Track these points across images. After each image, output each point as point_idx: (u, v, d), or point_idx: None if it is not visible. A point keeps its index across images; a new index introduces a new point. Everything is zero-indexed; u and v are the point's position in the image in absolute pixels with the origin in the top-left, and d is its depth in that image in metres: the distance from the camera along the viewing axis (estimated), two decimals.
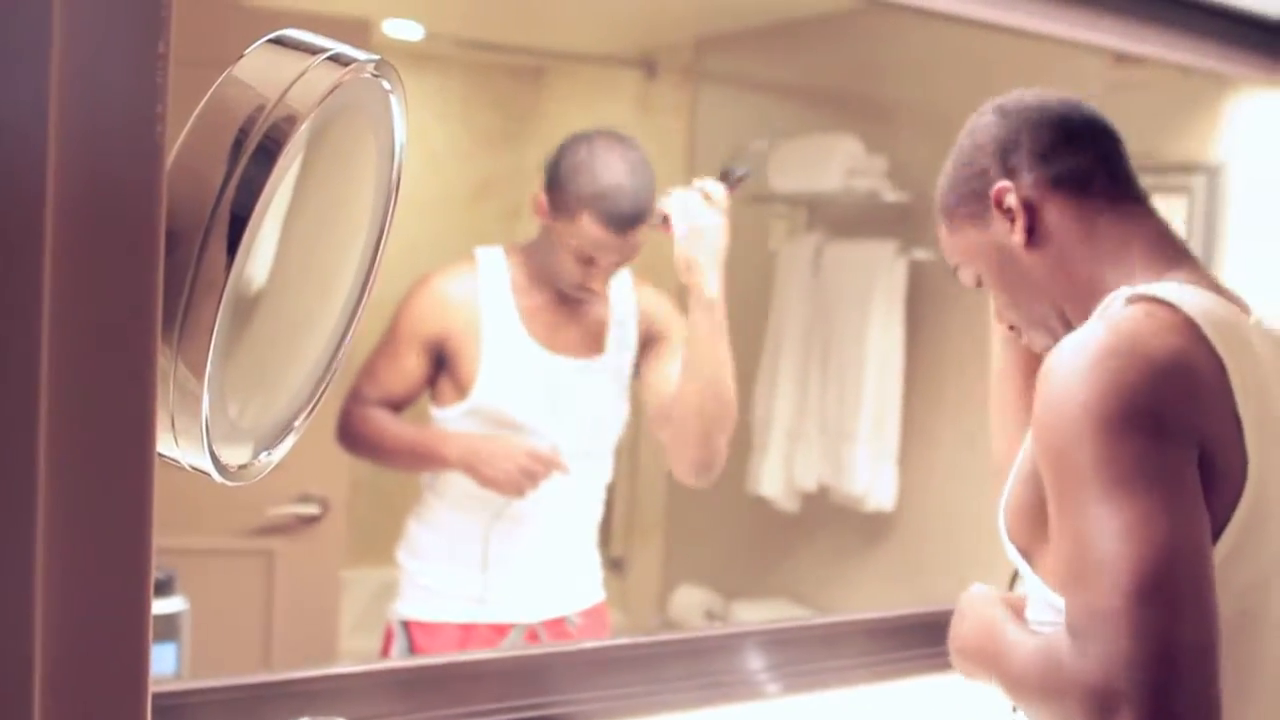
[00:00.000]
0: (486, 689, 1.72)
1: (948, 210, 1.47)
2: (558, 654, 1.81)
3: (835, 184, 3.34)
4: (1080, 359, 1.15)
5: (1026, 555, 1.27)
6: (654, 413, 2.30)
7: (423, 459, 2.25)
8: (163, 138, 0.51)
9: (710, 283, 2.05)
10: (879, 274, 3.32)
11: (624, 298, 2.35)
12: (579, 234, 2.15)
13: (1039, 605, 1.24)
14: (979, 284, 1.46)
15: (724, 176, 2.14)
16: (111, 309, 0.53)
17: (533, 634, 2.26)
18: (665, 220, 2.10)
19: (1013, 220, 1.38)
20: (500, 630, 2.26)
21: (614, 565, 3.77)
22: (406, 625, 2.27)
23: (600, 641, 1.81)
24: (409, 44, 3.64)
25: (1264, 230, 2.87)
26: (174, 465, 0.63)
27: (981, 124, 1.46)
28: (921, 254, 3.38)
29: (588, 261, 2.18)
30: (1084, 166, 1.41)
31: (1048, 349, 1.27)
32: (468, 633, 2.25)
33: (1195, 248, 2.94)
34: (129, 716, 0.56)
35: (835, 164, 3.33)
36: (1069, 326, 1.33)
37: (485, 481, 2.15)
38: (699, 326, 2.08)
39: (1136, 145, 3.08)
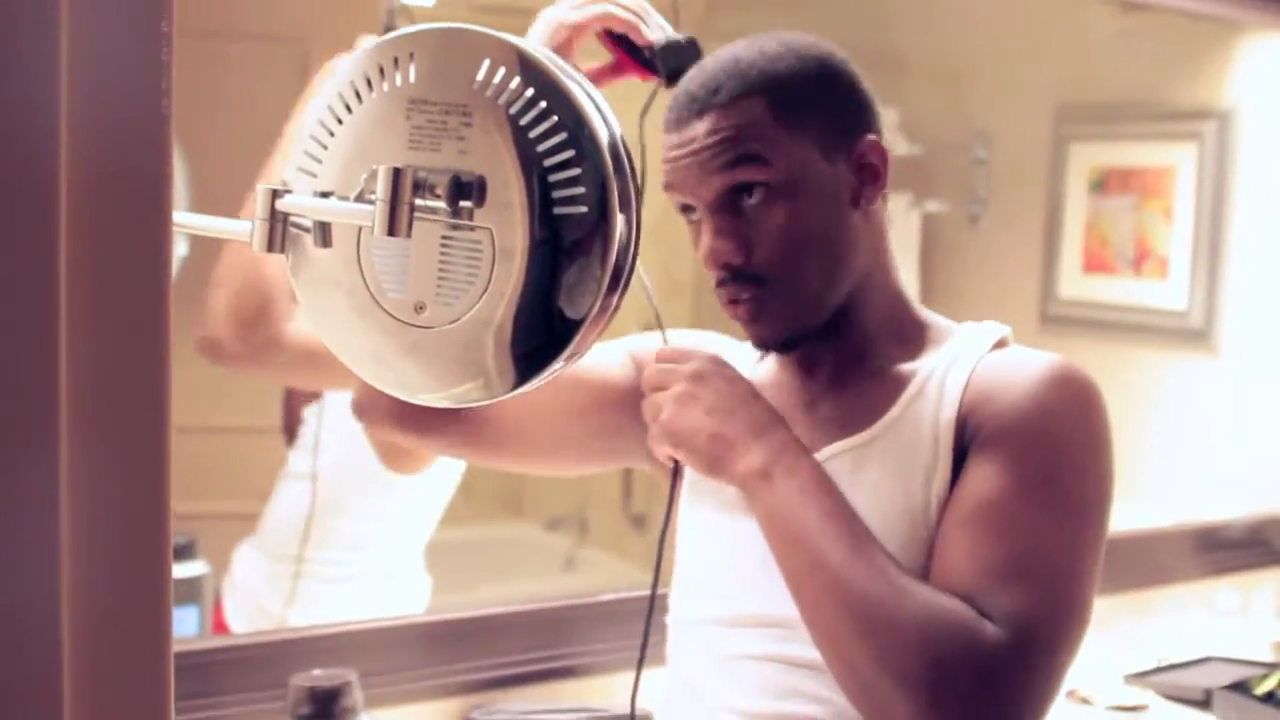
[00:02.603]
0: (505, 641, 1.75)
1: (798, 109, 1.21)
2: (578, 605, 1.84)
3: None
4: (1087, 389, 1.18)
5: None
6: None
7: None
8: (168, 111, 0.53)
9: None
10: (892, 227, 3.32)
11: None
12: None
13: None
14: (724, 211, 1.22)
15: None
16: (125, 279, 0.55)
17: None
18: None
19: (871, 179, 1.25)
20: None
21: (636, 522, 3.80)
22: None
23: (618, 594, 1.84)
24: (422, 9, 3.64)
25: (1275, 174, 2.86)
26: None
27: (844, 63, 1.26)
28: (934, 206, 3.38)
29: None
30: None
31: (760, 313, 1.22)
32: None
33: (1206, 194, 2.95)
34: (153, 674, 0.58)
35: None
36: (819, 302, 1.24)
37: None
38: None
39: (1146, 92, 3.11)
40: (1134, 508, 2.76)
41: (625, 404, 1.36)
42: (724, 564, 1.28)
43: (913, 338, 1.29)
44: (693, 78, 1.23)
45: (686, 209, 1.25)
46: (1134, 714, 2.02)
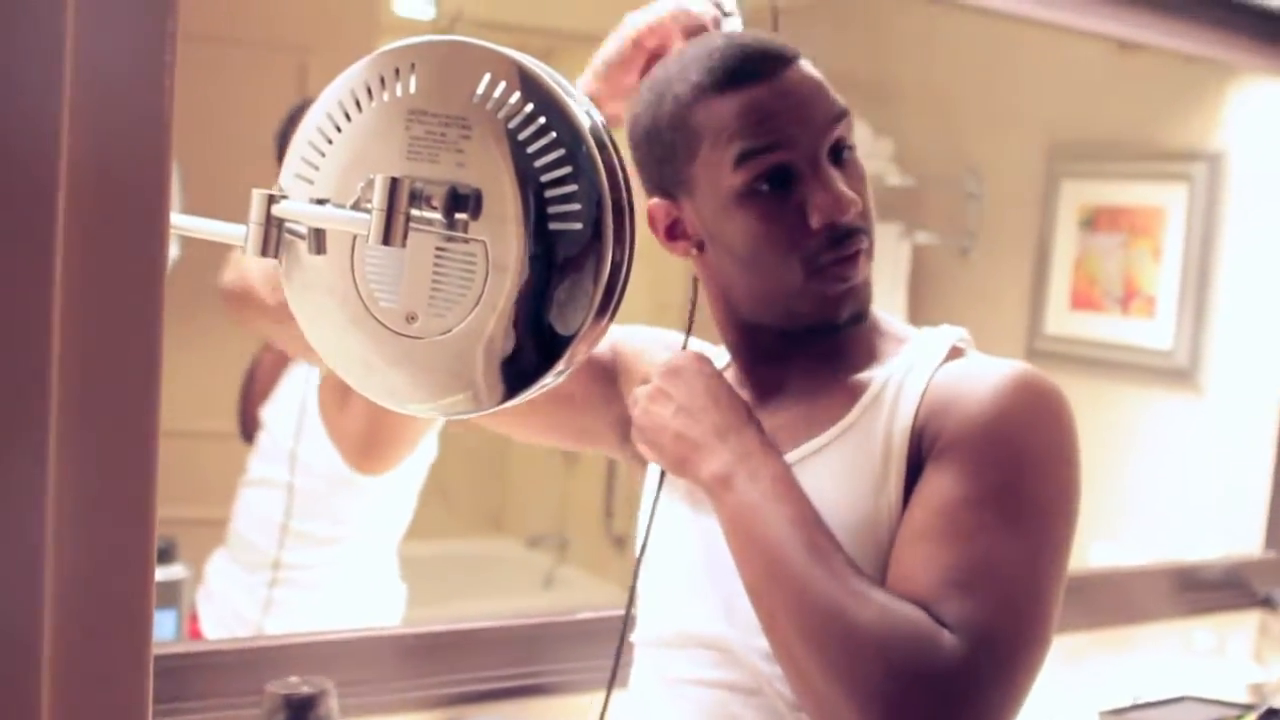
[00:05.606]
0: (483, 656, 1.75)
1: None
2: (556, 623, 1.83)
3: None
4: (1050, 396, 1.14)
5: None
6: None
7: None
8: (170, 110, 0.53)
9: None
10: (882, 257, 3.33)
11: None
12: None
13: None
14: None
15: None
16: (120, 278, 0.55)
17: None
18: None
19: None
20: None
21: (617, 542, 3.79)
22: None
23: (596, 613, 1.83)
24: (419, 23, 3.65)
25: (1264, 218, 2.88)
26: None
27: None
28: (924, 238, 3.39)
29: None
30: None
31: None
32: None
33: (1194, 235, 2.96)
34: (133, 676, 0.58)
35: None
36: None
37: None
38: None
39: (1138, 133, 3.13)
40: (1112, 545, 2.77)
41: (595, 380, 1.35)
42: (678, 572, 1.25)
43: (873, 343, 1.26)
44: (744, 42, 1.16)
45: (769, 177, 1.15)
46: None
